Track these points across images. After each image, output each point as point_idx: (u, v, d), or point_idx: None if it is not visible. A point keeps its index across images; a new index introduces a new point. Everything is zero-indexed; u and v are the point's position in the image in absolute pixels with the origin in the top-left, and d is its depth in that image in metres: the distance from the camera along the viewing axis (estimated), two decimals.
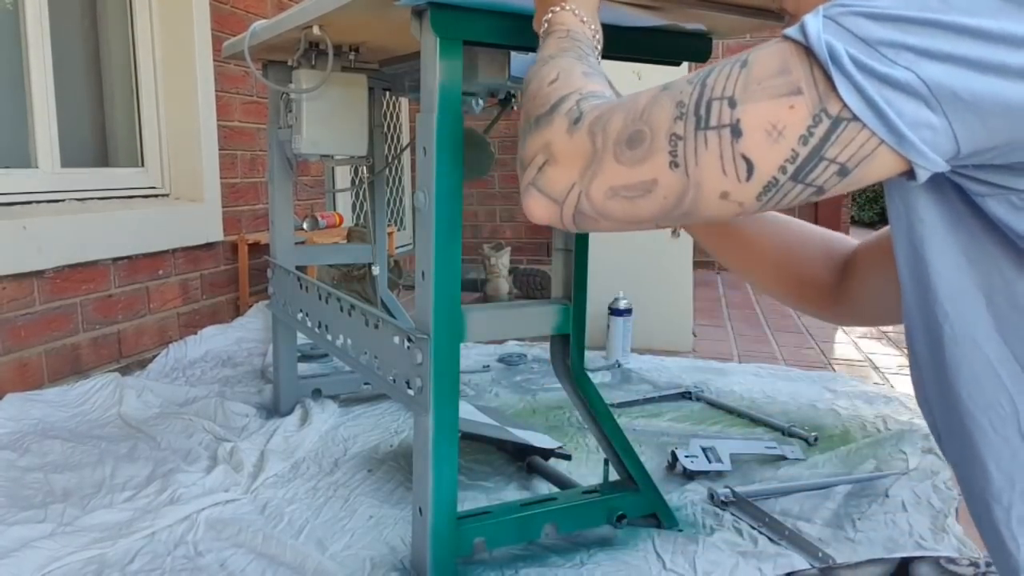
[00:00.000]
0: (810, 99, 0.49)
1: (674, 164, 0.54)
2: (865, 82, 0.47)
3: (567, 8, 0.81)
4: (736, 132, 0.51)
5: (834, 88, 0.48)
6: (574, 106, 0.64)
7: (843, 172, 0.50)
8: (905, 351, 2.84)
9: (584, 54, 0.75)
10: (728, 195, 0.54)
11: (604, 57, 0.85)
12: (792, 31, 0.50)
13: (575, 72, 0.70)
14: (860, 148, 0.49)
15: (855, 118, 0.48)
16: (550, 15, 0.82)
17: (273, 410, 2.02)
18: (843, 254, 0.82)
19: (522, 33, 0.94)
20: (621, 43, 1.23)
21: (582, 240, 1.40)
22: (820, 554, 1.30)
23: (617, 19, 1.16)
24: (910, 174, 0.50)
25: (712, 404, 2.14)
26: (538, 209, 0.65)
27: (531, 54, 1.34)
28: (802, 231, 0.84)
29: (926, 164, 0.48)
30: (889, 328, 3.27)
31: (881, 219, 9.86)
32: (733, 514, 1.45)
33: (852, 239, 0.84)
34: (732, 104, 0.51)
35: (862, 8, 0.48)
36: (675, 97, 0.55)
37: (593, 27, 0.81)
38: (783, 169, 0.51)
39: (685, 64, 1.82)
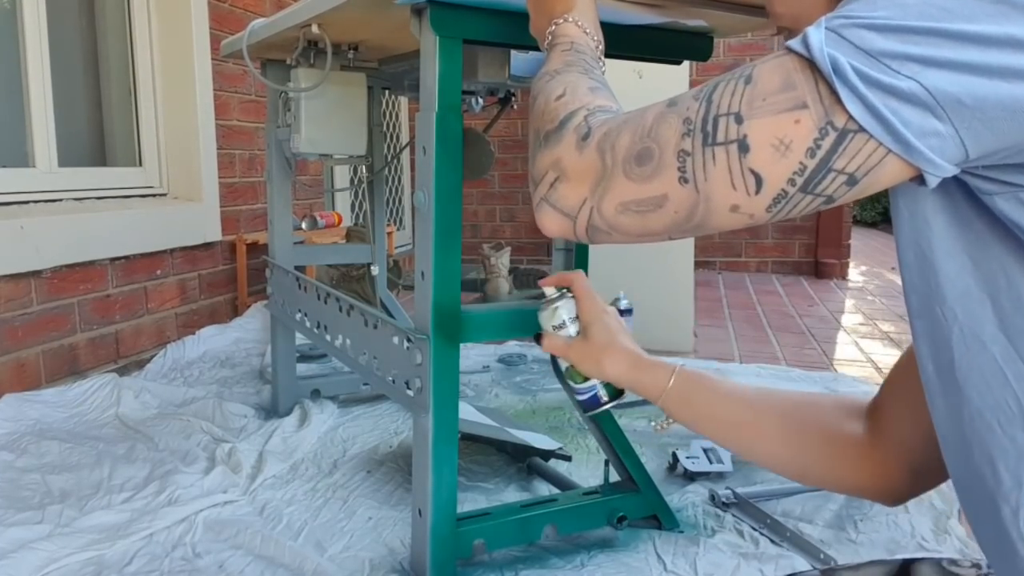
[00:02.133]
0: (816, 112, 0.50)
1: (683, 179, 0.55)
2: (870, 93, 0.47)
3: (570, 19, 0.82)
4: (743, 147, 0.52)
5: (839, 101, 0.48)
6: (582, 122, 0.65)
7: (852, 182, 0.51)
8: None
9: (589, 67, 0.76)
10: (738, 208, 0.54)
11: (605, 56, 0.85)
12: (795, 44, 0.51)
13: (582, 87, 0.71)
14: (868, 158, 0.49)
15: (861, 129, 0.48)
16: (554, 27, 0.82)
17: (272, 411, 2.01)
18: (859, 403, 0.78)
19: (522, 32, 0.93)
20: (622, 42, 1.22)
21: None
22: (822, 555, 1.30)
23: (618, 18, 1.15)
24: (919, 179, 0.50)
25: None
26: (551, 224, 0.66)
27: (531, 53, 1.33)
28: (811, 397, 0.81)
29: (936, 171, 0.49)
30: (890, 328, 3.27)
31: (883, 219, 9.86)
32: (734, 515, 1.44)
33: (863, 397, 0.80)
34: (739, 120, 0.52)
35: (864, 20, 0.48)
36: (682, 114, 0.56)
37: (596, 38, 0.82)
38: (792, 182, 0.52)
39: (686, 63, 1.82)
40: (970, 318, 0.54)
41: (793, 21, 0.70)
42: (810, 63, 0.50)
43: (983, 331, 0.53)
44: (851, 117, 0.48)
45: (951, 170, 0.49)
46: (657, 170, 0.57)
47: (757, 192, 0.53)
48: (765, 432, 0.79)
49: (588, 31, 0.82)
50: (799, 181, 0.52)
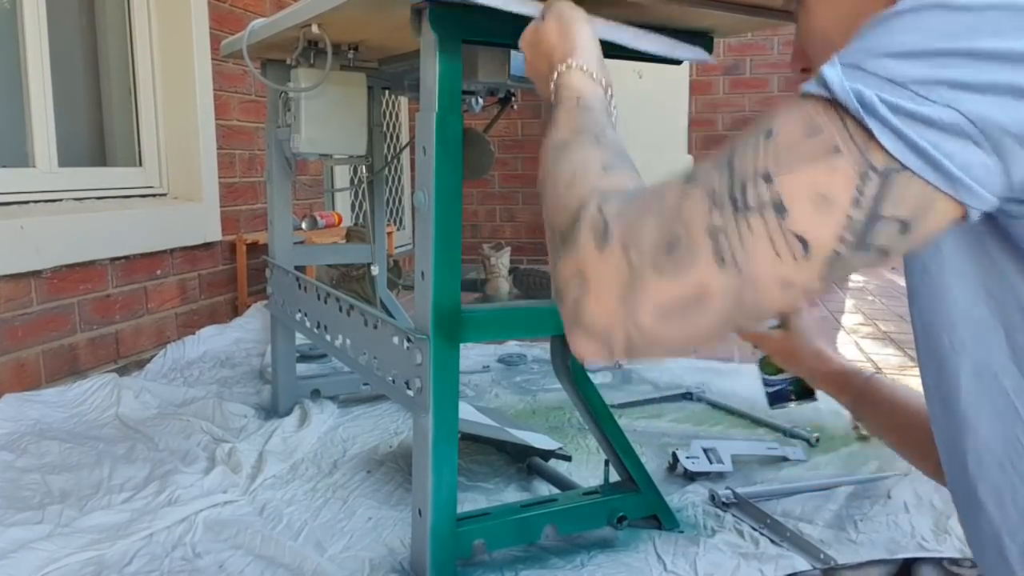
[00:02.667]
0: (851, 156, 0.43)
1: (721, 260, 0.47)
2: (904, 126, 0.42)
3: (574, 65, 0.72)
4: (780, 209, 0.45)
5: (873, 138, 0.42)
6: (596, 214, 0.55)
7: (905, 228, 0.44)
8: (907, 351, 2.83)
9: (600, 129, 0.66)
10: (789, 281, 0.47)
11: (605, 56, 0.81)
12: (810, 86, 0.45)
13: (592, 166, 0.61)
14: (917, 199, 0.43)
15: (904, 167, 0.43)
16: (557, 76, 0.73)
17: (272, 411, 2.01)
18: None
19: (522, 31, 0.93)
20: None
21: None
22: (822, 555, 1.30)
23: (615, 38, 1.14)
24: (962, 217, 0.45)
25: (713, 405, 2.14)
26: (586, 350, 0.55)
27: None
28: None
29: (981, 205, 0.43)
30: (891, 328, 3.27)
31: None
32: (734, 515, 1.44)
33: None
34: (768, 179, 0.45)
35: (884, 49, 0.43)
36: (705, 185, 0.48)
37: (604, 81, 0.73)
38: (842, 239, 0.45)
39: (686, 63, 1.82)
40: (981, 348, 0.51)
41: (823, 44, 0.62)
42: (833, 102, 0.44)
43: (995, 362, 0.51)
44: (890, 155, 0.43)
45: (994, 203, 0.44)
46: (690, 255, 0.48)
47: (806, 257, 0.45)
48: (916, 440, 0.81)
49: (595, 76, 0.73)
50: (849, 238, 0.45)
